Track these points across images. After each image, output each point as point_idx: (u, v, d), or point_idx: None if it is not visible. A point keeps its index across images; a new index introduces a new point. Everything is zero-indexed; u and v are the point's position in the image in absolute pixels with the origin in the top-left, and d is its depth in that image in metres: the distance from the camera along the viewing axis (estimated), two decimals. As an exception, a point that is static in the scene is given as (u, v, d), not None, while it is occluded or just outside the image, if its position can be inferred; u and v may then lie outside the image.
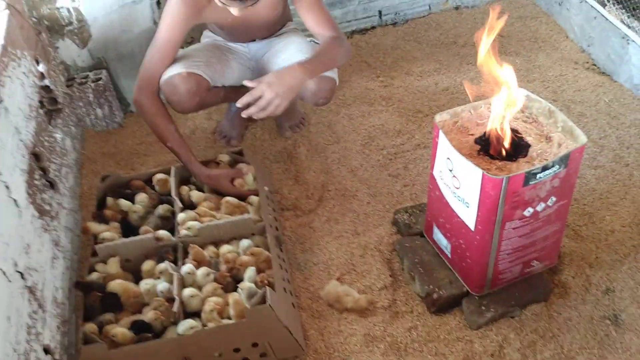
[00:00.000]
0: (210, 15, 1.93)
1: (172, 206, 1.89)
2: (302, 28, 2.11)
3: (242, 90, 2.28)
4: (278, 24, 2.15)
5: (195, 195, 1.93)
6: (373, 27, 2.98)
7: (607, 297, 1.70)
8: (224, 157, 2.06)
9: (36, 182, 1.73)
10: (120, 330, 1.54)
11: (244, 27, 2.05)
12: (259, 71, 2.14)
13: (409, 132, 2.35)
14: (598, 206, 1.96)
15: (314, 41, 2.09)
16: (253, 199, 1.91)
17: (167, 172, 1.99)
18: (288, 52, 2.03)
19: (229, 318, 1.59)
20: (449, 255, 1.74)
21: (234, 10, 1.73)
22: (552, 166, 1.44)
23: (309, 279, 1.84)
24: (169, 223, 1.86)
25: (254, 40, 2.16)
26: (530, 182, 1.43)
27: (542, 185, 1.46)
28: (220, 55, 2.09)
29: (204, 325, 1.56)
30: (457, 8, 3.05)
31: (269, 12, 1.98)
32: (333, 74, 2.00)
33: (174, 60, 1.95)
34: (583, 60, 2.63)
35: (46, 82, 2.11)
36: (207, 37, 2.19)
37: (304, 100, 2.06)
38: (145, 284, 1.68)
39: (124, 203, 1.92)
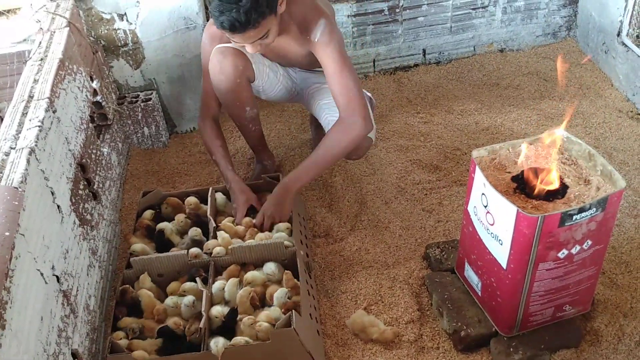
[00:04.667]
0: None
1: (207, 226, 1.92)
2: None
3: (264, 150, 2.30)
4: (315, 61, 2.00)
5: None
6: (416, 65, 3.01)
7: (640, 349, 1.65)
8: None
9: (80, 191, 1.79)
10: (139, 353, 1.57)
11: (278, 57, 2.07)
12: (301, 97, 2.22)
13: (446, 168, 2.35)
14: (636, 255, 1.91)
15: None
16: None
17: (206, 192, 2.03)
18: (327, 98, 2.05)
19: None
20: (479, 294, 1.72)
21: (248, 48, 1.79)
22: (590, 209, 1.42)
23: (336, 307, 1.84)
24: (200, 246, 1.88)
25: (295, 68, 2.18)
26: (566, 223, 1.42)
27: (578, 227, 1.44)
28: (275, 70, 2.12)
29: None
30: (501, 51, 3.07)
31: (296, 49, 1.96)
32: (370, 133, 2.01)
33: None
34: (627, 109, 2.60)
35: (98, 98, 2.20)
36: None
37: None
38: (171, 299, 1.71)
39: (161, 223, 1.96)
